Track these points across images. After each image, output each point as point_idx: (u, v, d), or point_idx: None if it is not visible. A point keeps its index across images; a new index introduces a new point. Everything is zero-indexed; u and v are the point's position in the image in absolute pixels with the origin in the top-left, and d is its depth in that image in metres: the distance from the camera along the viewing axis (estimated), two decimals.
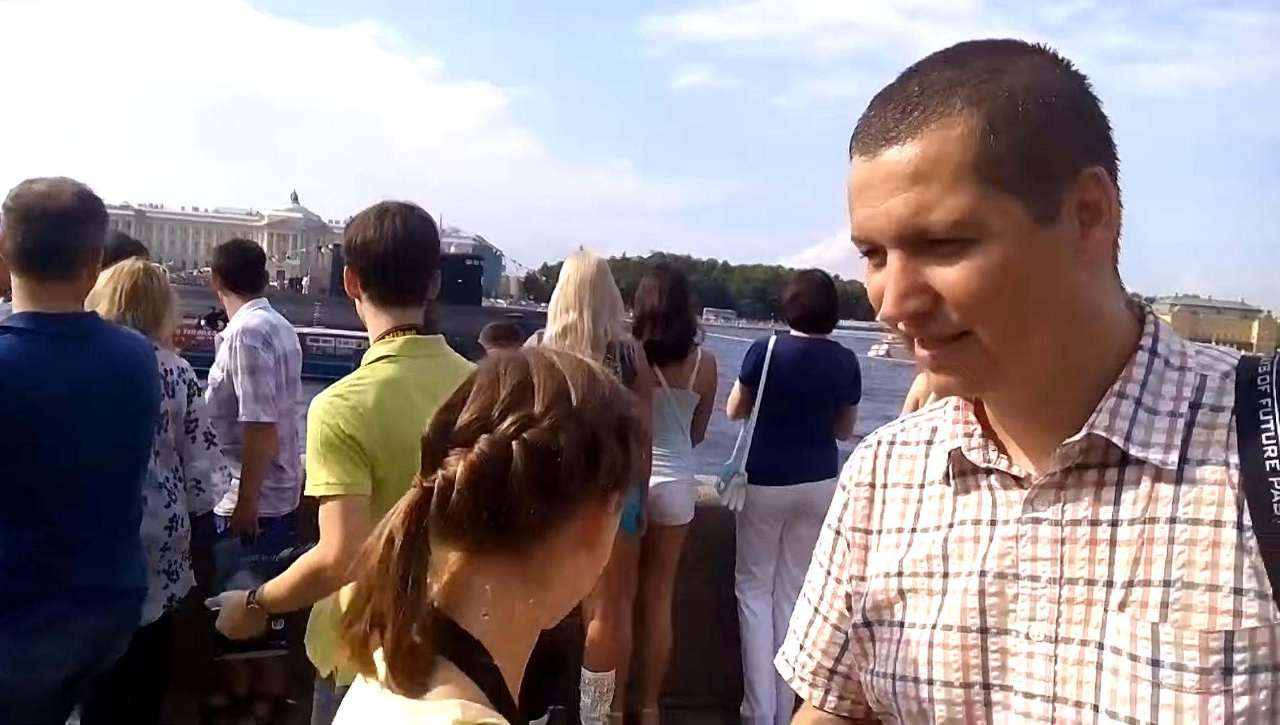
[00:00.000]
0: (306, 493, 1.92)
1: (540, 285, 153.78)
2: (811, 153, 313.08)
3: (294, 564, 1.90)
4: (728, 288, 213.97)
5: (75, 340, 2.06)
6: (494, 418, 0.85)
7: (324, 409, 1.84)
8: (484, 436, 0.84)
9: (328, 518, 1.81)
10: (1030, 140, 0.72)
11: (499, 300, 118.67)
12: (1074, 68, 0.76)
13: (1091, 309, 0.78)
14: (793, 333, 3.98)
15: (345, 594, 1.67)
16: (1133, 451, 0.78)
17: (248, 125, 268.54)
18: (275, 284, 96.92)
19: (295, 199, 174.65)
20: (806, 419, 3.85)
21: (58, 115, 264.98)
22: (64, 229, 2.03)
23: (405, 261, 2.00)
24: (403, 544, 0.81)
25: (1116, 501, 0.78)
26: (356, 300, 2.05)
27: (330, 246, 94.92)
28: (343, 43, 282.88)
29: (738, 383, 3.98)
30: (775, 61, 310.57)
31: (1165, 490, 0.77)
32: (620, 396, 0.92)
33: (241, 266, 3.80)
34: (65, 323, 2.05)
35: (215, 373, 3.54)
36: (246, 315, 3.60)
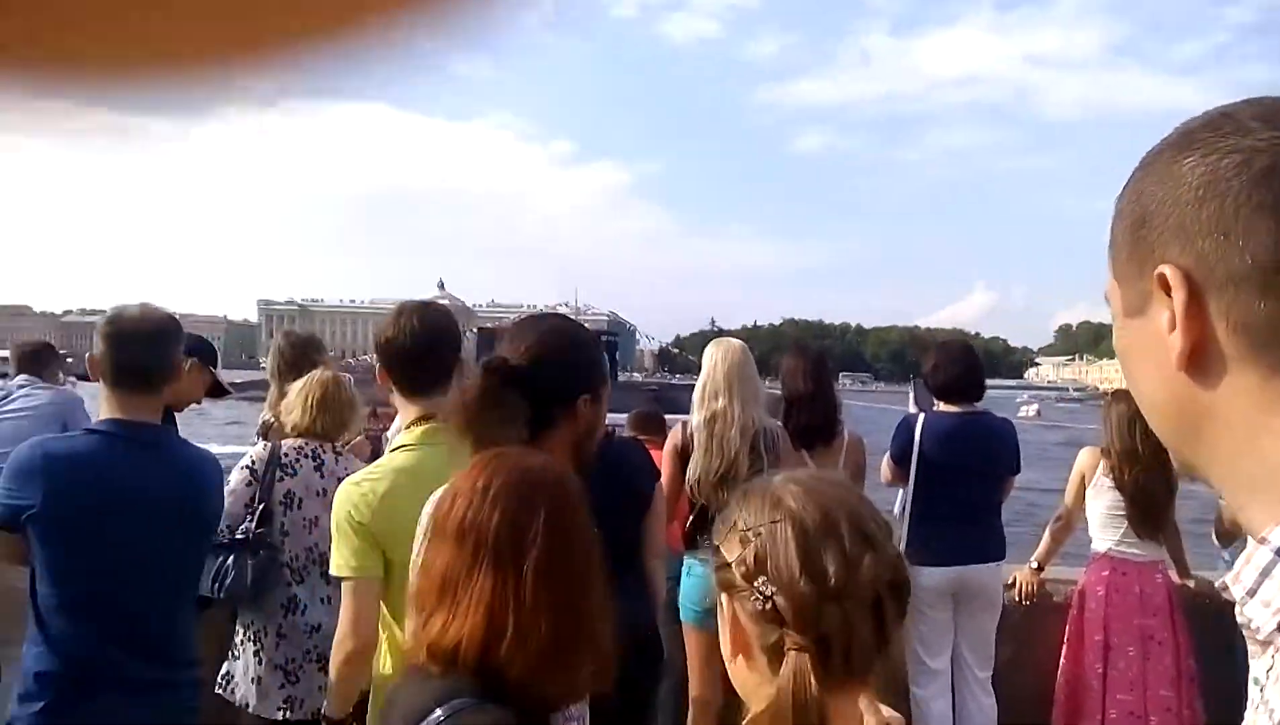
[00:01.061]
0: (330, 572, 2.09)
1: (673, 357, 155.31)
2: (939, 206, 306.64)
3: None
4: (862, 351, 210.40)
5: (150, 448, 2.24)
6: (862, 572, 0.95)
7: (342, 496, 1.99)
8: (854, 586, 0.95)
9: (344, 597, 1.99)
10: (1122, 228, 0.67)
11: (635, 374, 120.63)
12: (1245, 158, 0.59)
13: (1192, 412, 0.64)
14: (940, 407, 3.77)
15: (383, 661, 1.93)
16: None
17: (396, 218, 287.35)
18: None
19: (441, 286, 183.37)
20: (965, 497, 3.64)
21: (232, 222, 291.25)
22: (151, 352, 2.23)
23: (423, 355, 2.16)
24: (812, 702, 0.90)
25: None
26: (390, 393, 2.20)
27: (474, 329, 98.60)
28: (481, 134, 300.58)
29: (888, 458, 3.82)
30: (896, 119, 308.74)
31: None
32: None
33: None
34: (143, 431, 2.23)
35: None
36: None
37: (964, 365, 3.80)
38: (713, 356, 3.34)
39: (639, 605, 2.52)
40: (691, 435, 3.23)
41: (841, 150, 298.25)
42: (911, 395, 4.11)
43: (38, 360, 4.09)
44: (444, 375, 2.15)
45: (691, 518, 3.20)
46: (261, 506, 2.89)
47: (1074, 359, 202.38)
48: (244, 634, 2.92)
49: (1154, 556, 3.58)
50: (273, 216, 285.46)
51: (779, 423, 3.37)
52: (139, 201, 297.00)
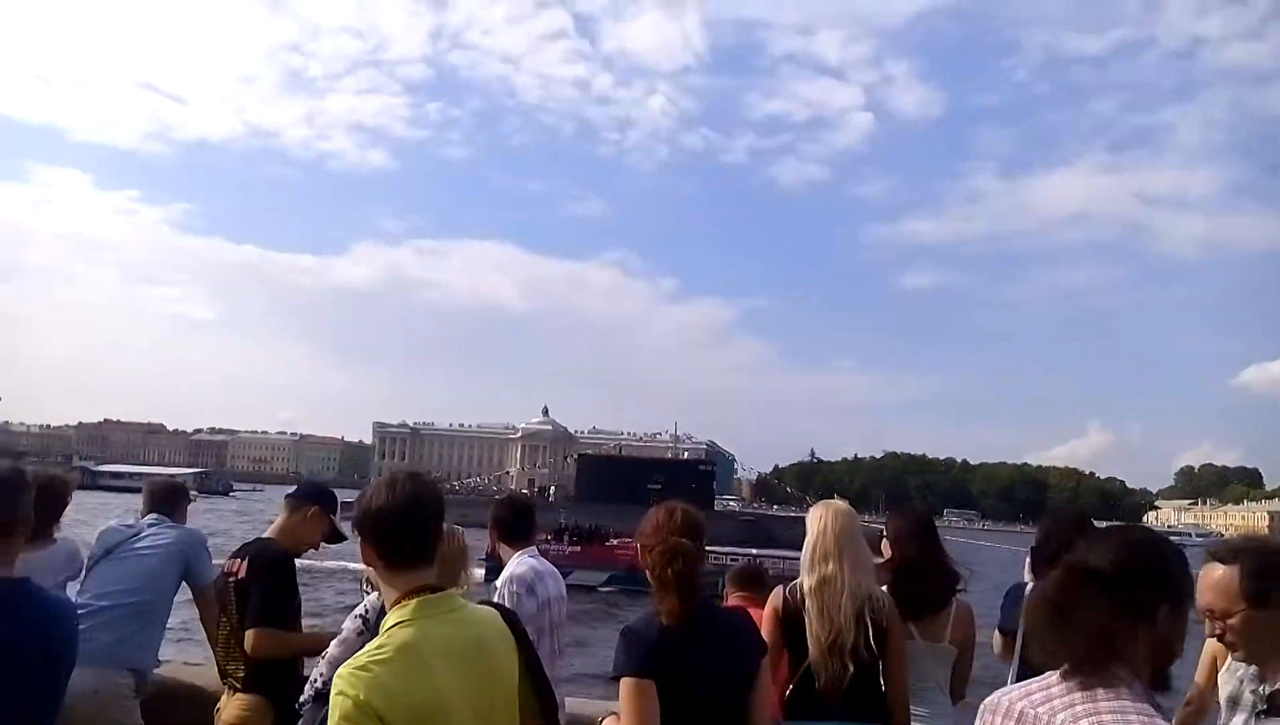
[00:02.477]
0: None
1: (771, 487, 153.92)
2: (1049, 344, 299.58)
3: None
4: (969, 487, 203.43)
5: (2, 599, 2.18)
6: None
7: (346, 680, 1.86)
8: None
9: None
10: None
11: (732, 503, 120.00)
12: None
13: None
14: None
15: None
16: None
17: (508, 348, 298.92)
18: (525, 491, 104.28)
19: (545, 412, 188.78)
20: None
21: (355, 348, 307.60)
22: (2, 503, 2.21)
23: (411, 526, 2.07)
24: None
25: None
26: (373, 567, 2.11)
27: (575, 456, 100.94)
28: (594, 271, 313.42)
29: (997, 632, 3.69)
30: (1006, 257, 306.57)
31: None
32: None
33: (513, 519, 3.94)
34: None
35: None
36: (515, 562, 3.76)
37: (1078, 532, 3.39)
38: (822, 518, 3.26)
39: None
40: (799, 598, 3.17)
41: (950, 287, 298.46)
42: (1027, 562, 3.84)
43: (169, 499, 4.16)
44: (430, 549, 2.11)
45: (793, 685, 3.13)
46: None
47: (1196, 503, 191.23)
48: None
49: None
50: (393, 345, 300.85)
51: (885, 590, 3.29)
52: (275, 329, 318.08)
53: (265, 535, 3.66)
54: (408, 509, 2.06)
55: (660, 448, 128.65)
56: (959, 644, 3.47)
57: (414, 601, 2.00)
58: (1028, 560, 3.82)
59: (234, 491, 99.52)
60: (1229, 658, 2.75)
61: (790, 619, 3.16)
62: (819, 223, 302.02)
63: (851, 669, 3.05)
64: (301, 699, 3.16)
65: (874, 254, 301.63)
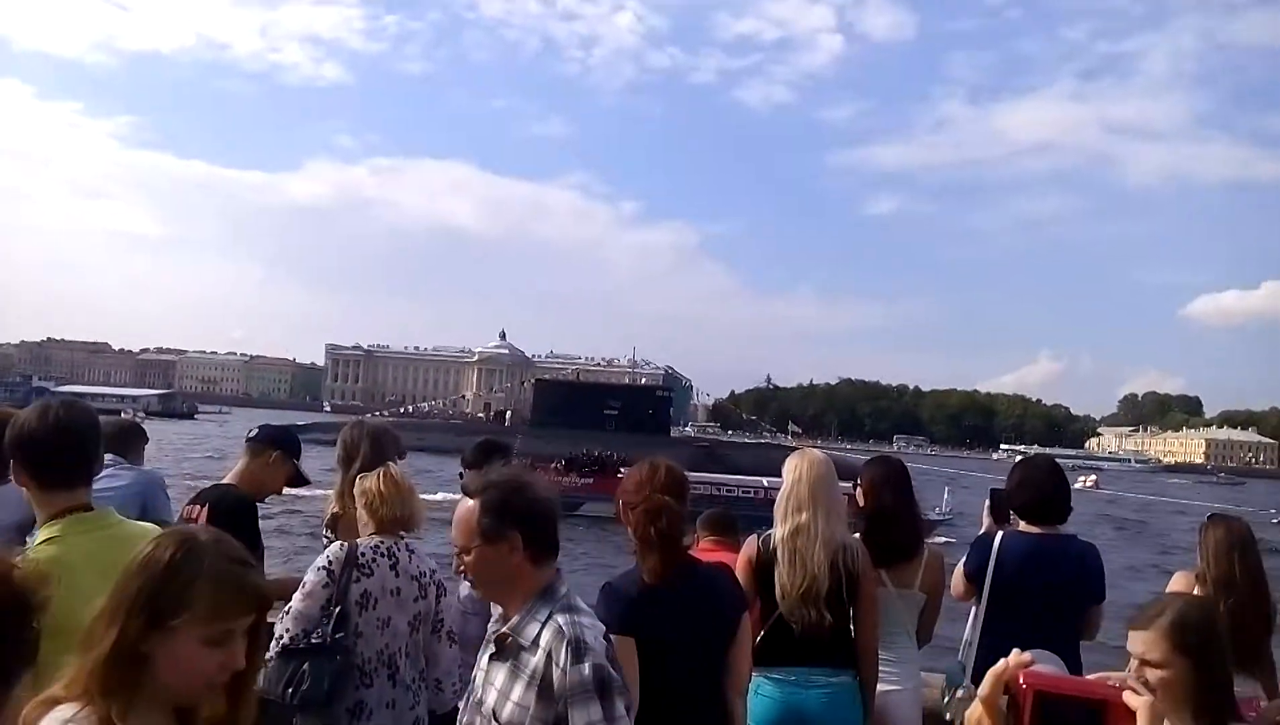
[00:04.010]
0: None
1: (727, 413, 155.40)
2: (1010, 272, 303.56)
3: None
4: (919, 414, 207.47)
5: None
6: None
7: None
8: None
9: None
10: None
11: (688, 428, 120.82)
12: None
13: None
14: (1021, 527, 3.52)
15: None
16: None
17: (464, 269, 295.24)
18: (481, 415, 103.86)
19: (503, 336, 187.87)
20: (1042, 624, 3.34)
21: (308, 269, 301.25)
22: None
23: (62, 450, 2.13)
24: None
25: None
26: (25, 489, 2.16)
27: (531, 381, 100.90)
28: (552, 193, 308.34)
29: (961, 573, 3.61)
30: (971, 185, 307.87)
31: None
32: None
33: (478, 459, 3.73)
34: None
35: None
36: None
37: (1050, 485, 3.54)
38: (797, 468, 3.26)
39: None
40: (771, 548, 3.17)
41: (914, 214, 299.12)
42: (986, 506, 3.86)
43: (124, 440, 4.09)
44: (86, 471, 2.19)
45: (764, 633, 3.11)
46: (338, 609, 2.86)
47: (1138, 430, 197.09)
48: None
49: (1248, 693, 3.12)
50: (348, 266, 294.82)
51: (857, 538, 3.30)
52: (224, 247, 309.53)
53: (225, 480, 3.55)
54: (58, 435, 2.14)
55: (618, 373, 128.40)
56: (928, 591, 3.52)
57: (64, 519, 2.10)
58: (986, 504, 3.85)
59: (199, 414, 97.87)
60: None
61: (764, 568, 3.17)
62: (785, 147, 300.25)
63: (826, 617, 3.07)
64: (269, 652, 3.03)
65: (839, 180, 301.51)
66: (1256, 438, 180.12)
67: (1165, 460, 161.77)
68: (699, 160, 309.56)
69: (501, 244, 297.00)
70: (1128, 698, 0.95)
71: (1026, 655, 1.04)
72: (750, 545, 3.27)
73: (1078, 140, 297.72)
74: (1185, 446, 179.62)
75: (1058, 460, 3.86)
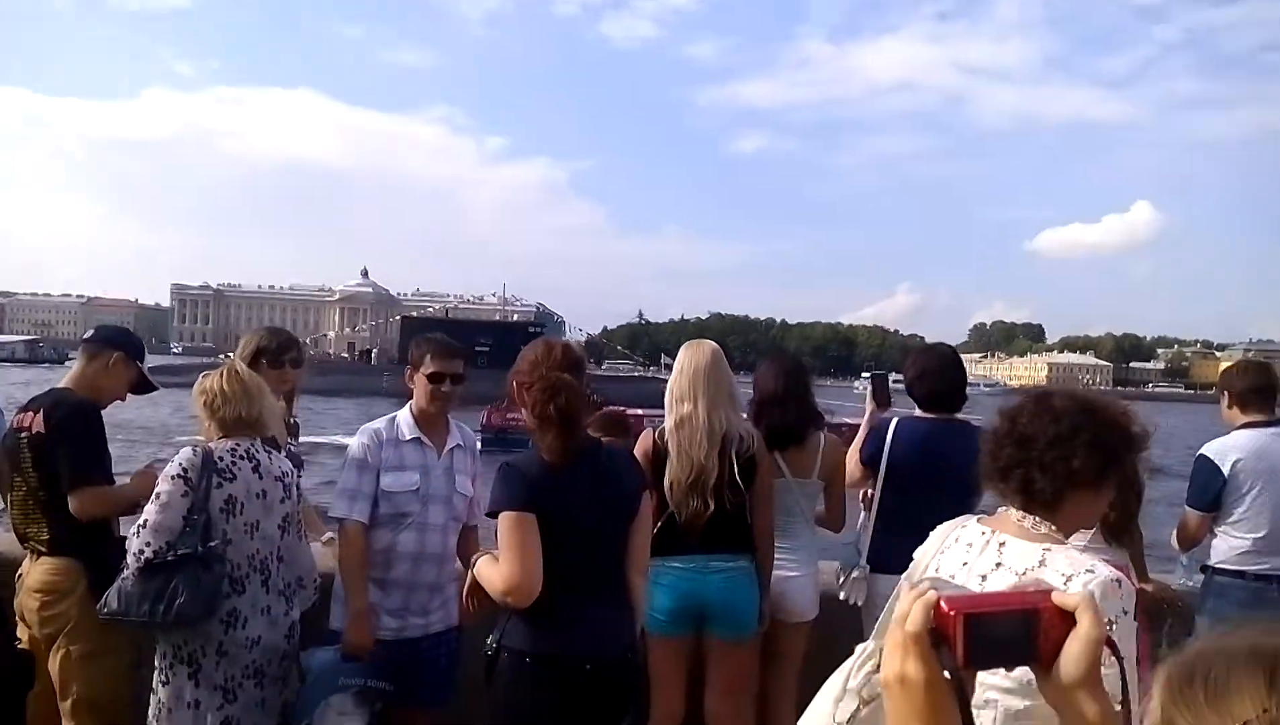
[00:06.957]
0: None
1: (599, 348, 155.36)
2: (868, 209, 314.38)
3: None
4: (785, 346, 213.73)
5: None
6: None
7: None
8: None
9: None
10: None
11: None
12: None
13: None
14: (917, 413, 3.59)
15: None
16: None
17: (321, 206, 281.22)
18: (345, 356, 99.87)
19: (365, 274, 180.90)
20: (934, 505, 3.22)
21: (149, 204, 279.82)
22: None
23: None
24: None
25: None
26: None
27: (398, 319, 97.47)
28: (414, 126, 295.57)
29: (857, 458, 3.62)
30: (832, 124, 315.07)
31: None
32: None
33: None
34: None
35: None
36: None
37: (950, 373, 3.59)
38: (681, 360, 3.28)
39: (622, 622, 2.57)
40: (664, 440, 3.18)
41: (778, 153, 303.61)
42: (868, 391, 3.83)
43: None
44: None
45: (661, 523, 3.05)
46: (203, 517, 2.70)
47: (987, 356, 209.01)
48: (173, 657, 2.74)
49: (1118, 561, 3.31)
50: (194, 202, 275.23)
51: (750, 425, 3.29)
52: (54, 182, 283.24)
53: (60, 385, 3.28)
54: None
55: (488, 310, 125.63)
56: (827, 477, 3.53)
57: None
58: (869, 391, 3.83)
59: (70, 360, 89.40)
60: None
61: (659, 460, 3.18)
62: (652, 84, 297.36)
63: (712, 506, 3.09)
64: (125, 570, 2.75)
65: (705, 119, 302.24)
66: (1094, 361, 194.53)
67: (1011, 384, 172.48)
68: (565, 96, 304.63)
69: (361, 179, 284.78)
70: (1057, 597, 0.88)
71: (923, 584, 0.90)
72: (646, 438, 3.26)
73: (934, 80, 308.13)
74: (1030, 371, 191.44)
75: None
